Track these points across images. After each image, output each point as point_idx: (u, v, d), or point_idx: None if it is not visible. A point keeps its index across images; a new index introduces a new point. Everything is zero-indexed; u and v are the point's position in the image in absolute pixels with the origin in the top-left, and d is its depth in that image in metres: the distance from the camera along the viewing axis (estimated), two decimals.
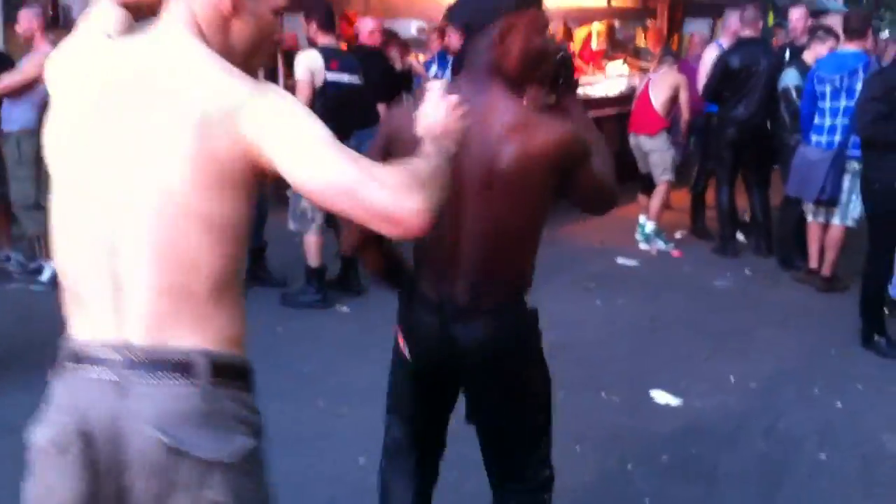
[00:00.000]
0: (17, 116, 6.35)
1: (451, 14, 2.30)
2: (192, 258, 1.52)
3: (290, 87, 6.11)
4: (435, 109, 1.83)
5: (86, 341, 1.58)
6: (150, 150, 1.51)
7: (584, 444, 4.04)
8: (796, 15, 7.62)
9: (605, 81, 11.07)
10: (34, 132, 6.33)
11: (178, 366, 1.52)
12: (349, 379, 4.69)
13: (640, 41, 12.98)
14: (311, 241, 6.03)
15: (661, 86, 7.76)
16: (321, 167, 1.50)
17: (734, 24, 7.98)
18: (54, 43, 5.89)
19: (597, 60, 11.90)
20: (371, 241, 2.36)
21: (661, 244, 7.77)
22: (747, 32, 7.46)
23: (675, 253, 7.71)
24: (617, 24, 13.13)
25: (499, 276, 2.27)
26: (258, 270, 6.39)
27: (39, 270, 6.41)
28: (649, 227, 7.81)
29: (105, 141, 1.55)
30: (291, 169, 1.51)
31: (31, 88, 6.25)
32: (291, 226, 6.06)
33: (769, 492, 3.69)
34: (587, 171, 2.23)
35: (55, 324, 4.61)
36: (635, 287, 6.70)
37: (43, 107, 6.48)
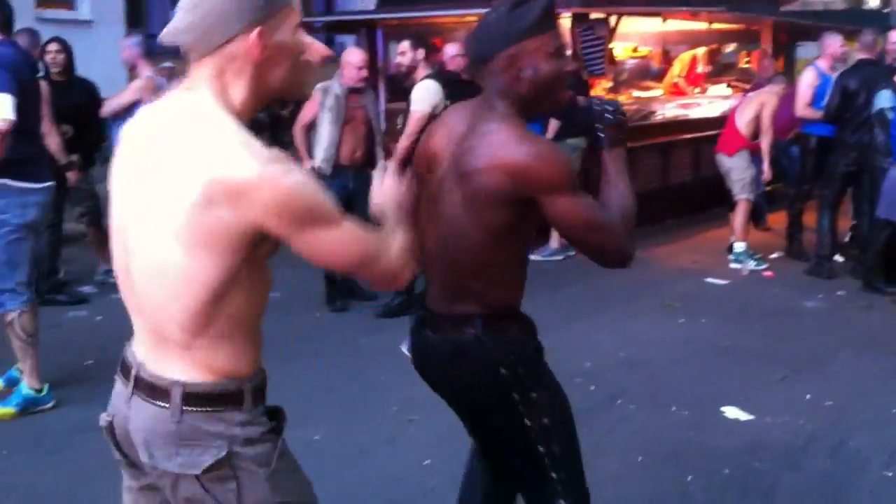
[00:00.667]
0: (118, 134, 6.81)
1: (466, 43, 2.39)
2: (167, 311, 1.72)
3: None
4: (387, 187, 2.04)
5: (127, 355, 1.87)
6: (148, 213, 1.70)
7: (647, 456, 4.13)
8: (894, 37, 7.52)
9: (706, 104, 11.06)
10: None
11: (158, 391, 1.76)
12: (423, 388, 4.88)
13: (746, 63, 12.90)
14: None
15: (749, 105, 7.78)
16: (332, 257, 1.76)
17: (831, 47, 7.94)
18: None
19: (700, 83, 11.88)
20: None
21: (752, 264, 7.75)
22: (864, 55, 7.49)
23: (768, 273, 7.67)
24: (727, 47, 13.10)
25: (461, 286, 2.28)
26: (351, 286, 6.70)
27: None
28: (738, 246, 7.79)
29: (126, 193, 1.78)
30: (306, 255, 1.71)
31: (131, 111, 6.70)
32: None
33: None
34: (561, 202, 2.15)
35: None
36: (721, 307, 6.71)
37: None
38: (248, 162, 1.61)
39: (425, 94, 6.08)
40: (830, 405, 4.79)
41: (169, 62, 15.52)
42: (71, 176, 6.62)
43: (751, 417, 4.60)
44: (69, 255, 7.47)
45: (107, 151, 6.90)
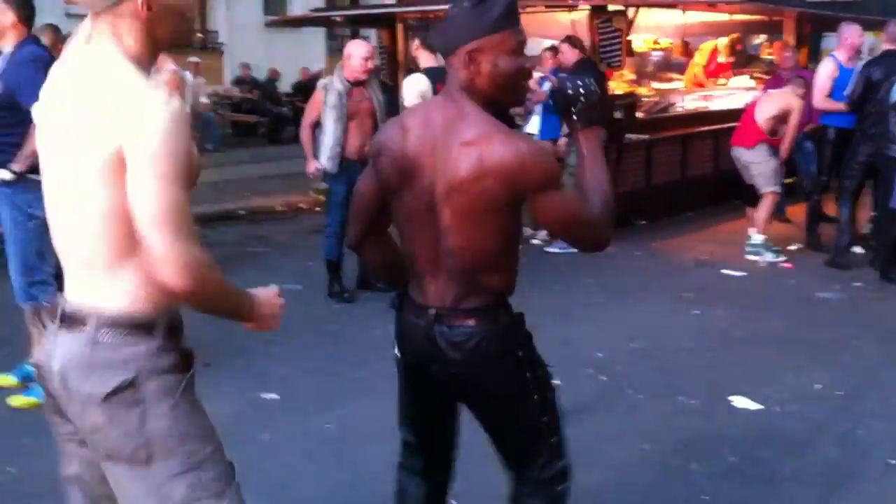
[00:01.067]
0: None
1: (431, 36, 2.44)
2: (88, 239, 1.88)
3: None
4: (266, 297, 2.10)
5: (58, 302, 2.00)
6: (64, 146, 1.88)
7: (654, 444, 4.18)
8: None
9: (727, 95, 11.04)
10: None
11: (78, 320, 1.90)
12: None
13: (768, 54, 12.83)
14: None
15: (772, 103, 7.77)
16: (140, 200, 1.81)
17: (850, 38, 7.91)
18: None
19: (722, 74, 11.85)
20: (371, 237, 2.52)
21: (770, 256, 7.75)
22: (891, 46, 7.48)
23: (786, 265, 7.67)
24: (748, 37, 13.04)
25: (472, 282, 2.33)
26: (368, 279, 6.79)
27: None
28: (756, 238, 7.80)
29: (50, 132, 1.96)
30: (130, 192, 1.82)
31: None
32: None
33: (828, 494, 3.74)
34: (551, 197, 2.22)
35: (224, 326, 5.08)
36: (737, 298, 6.73)
37: None
38: (139, 96, 1.81)
39: (413, 86, 6.22)
40: (840, 395, 4.82)
41: (195, 57, 15.76)
42: None
43: (760, 407, 4.63)
44: None
45: None
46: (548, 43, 10.20)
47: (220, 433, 4.64)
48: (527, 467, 2.57)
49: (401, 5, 10.51)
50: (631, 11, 9.23)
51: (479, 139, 2.21)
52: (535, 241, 8.68)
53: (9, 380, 4.84)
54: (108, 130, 1.80)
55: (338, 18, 10.37)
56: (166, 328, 1.93)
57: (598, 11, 8.99)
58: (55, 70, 2.00)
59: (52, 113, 1.95)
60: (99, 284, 1.90)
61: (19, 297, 4.69)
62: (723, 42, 12.23)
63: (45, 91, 1.99)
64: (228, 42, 18.89)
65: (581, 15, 9.16)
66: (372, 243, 2.54)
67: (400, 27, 10.34)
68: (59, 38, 6.71)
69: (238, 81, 17.90)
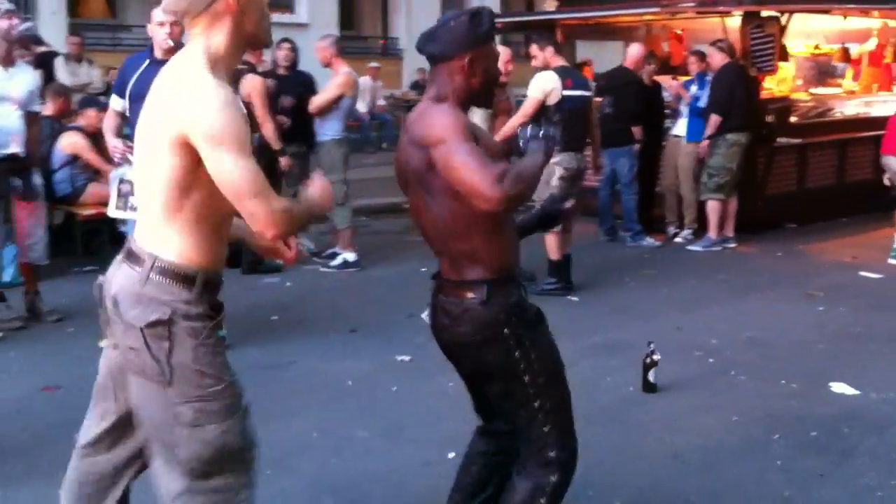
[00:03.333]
0: (327, 129, 7.71)
1: (423, 42, 2.69)
2: (153, 195, 2.30)
3: None
4: (318, 189, 2.53)
5: (129, 240, 2.45)
6: (149, 123, 2.31)
7: (743, 417, 4.52)
8: None
9: (890, 101, 10.88)
10: (341, 140, 7.73)
11: (137, 259, 2.34)
12: None
13: None
14: (552, 238, 6.89)
15: None
16: (226, 181, 2.21)
17: None
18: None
19: (885, 79, 11.62)
20: None
21: None
22: None
23: None
24: None
25: (453, 259, 2.65)
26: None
27: (333, 257, 7.78)
28: None
29: (144, 113, 2.38)
30: (211, 174, 2.22)
31: (336, 105, 7.61)
32: None
33: None
34: (440, 150, 2.48)
35: (338, 297, 5.97)
36: (865, 298, 6.86)
37: (345, 118, 7.87)
38: (202, 88, 2.21)
39: (540, 83, 6.74)
40: None
41: (375, 62, 16.69)
42: (283, 161, 7.53)
43: (856, 392, 4.87)
44: None
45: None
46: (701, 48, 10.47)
47: (358, 385, 5.44)
48: (524, 447, 2.76)
49: (560, 12, 10.97)
50: (784, 17, 9.34)
51: (415, 128, 2.60)
52: (678, 240, 8.98)
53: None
54: (173, 117, 2.21)
55: (498, 25, 10.94)
56: (203, 283, 2.33)
57: (750, 17, 9.17)
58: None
59: (149, 97, 2.37)
60: (158, 235, 2.32)
61: None
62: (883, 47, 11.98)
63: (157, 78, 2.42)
64: (407, 47, 19.82)
65: (733, 20, 9.35)
66: None
67: (559, 33, 10.80)
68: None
69: (414, 85, 18.75)
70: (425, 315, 2.99)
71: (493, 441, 2.94)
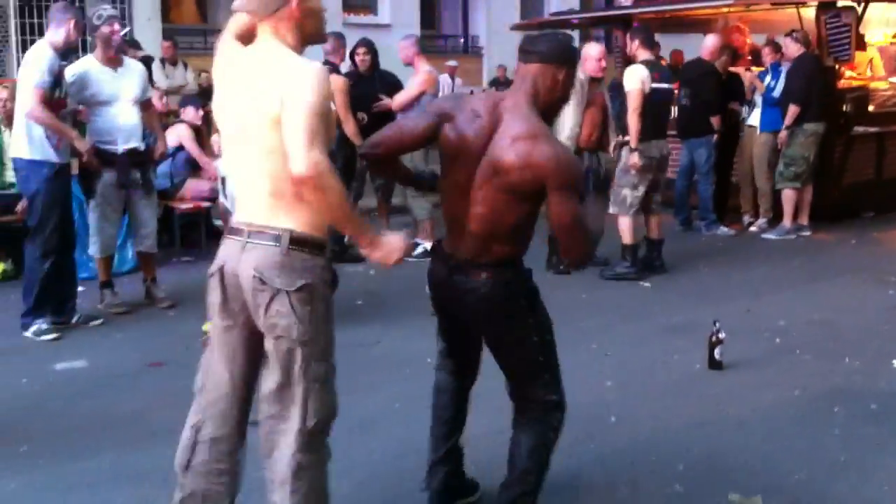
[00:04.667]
0: None
1: (532, 41, 3.01)
2: (275, 176, 2.53)
3: None
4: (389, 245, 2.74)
5: (237, 222, 2.69)
6: (247, 113, 2.55)
7: (805, 391, 4.71)
8: None
9: None
10: None
11: (272, 236, 2.57)
12: (625, 334, 5.74)
13: None
14: (626, 223, 7.13)
15: None
16: (290, 129, 2.47)
17: None
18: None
19: None
20: (390, 159, 3.17)
21: None
22: None
23: None
24: None
25: (492, 244, 2.96)
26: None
27: (415, 247, 8.12)
28: None
29: (233, 103, 2.62)
30: (284, 128, 2.47)
31: (418, 101, 7.96)
32: (611, 209, 7.15)
33: None
34: (563, 198, 2.80)
35: (412, 283, 6.31)
36: None
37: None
38: (297, 65, 2.53)
39: (634, 74, 7.01)
40: None
41: (453, 61, 17.04)
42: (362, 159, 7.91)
43: None
44: None
45: None
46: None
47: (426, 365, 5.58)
48: (525, 395, 3.16)
49: (636, 6, 11.15)
50: (860, 6, 9.37)
51: (529, 136, 2.84)
52: (752, 229, 9.10)
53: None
54: (274, 94, 2.48)
55: (574, 21, 11.18)
56: (330, 251, 2.66)
57: (826, 7, 9.23)
58: (222, 63, 2.67)
59: (230, 96, 2.63)
60: (285, 210, 2.56)
61: None
62: None
63: (219, 73, 2.68)
64: (487, 45, 20.13)
65: (808, 10, 9.42)
66: (389, 162, 3.21)
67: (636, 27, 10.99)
68: (342, 42, 8.03)
69: (494, 82, 19.03)
70: (428, 289, 3.27)
71: (462, 377, 3.41)
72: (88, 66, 6.02)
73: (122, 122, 6.04)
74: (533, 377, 3.14)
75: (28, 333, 5.71)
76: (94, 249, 6.27)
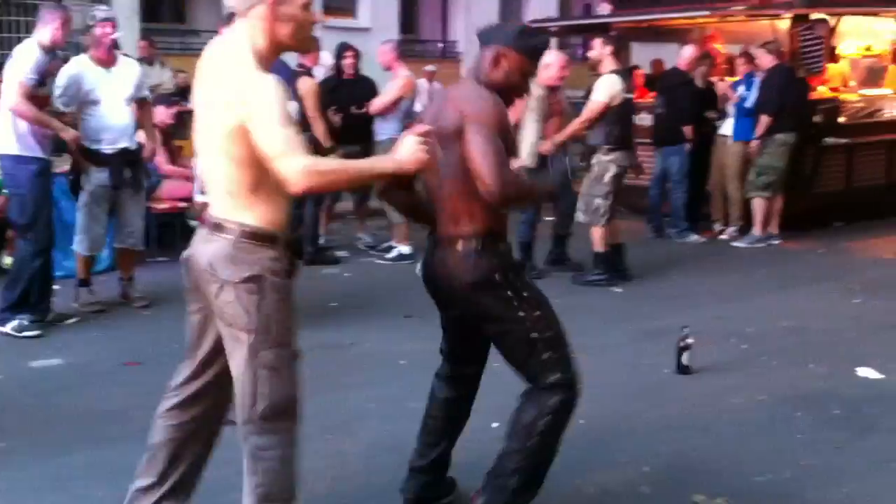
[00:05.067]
0: (386, 129, 8.15)
1: (485, 32, 3.16)
2: (228, 178, 2.65)
3: None
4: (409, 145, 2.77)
5: (207, 214, 2.79)
6: (207, 117, 2.66)
7: (770, 396, 4.81)
8: None
9: None
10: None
11: (225, 229, 2.67)
12: (597, 339, 5.80)
13: None
14: (599, 232, 7.23)
15: None
16: (260, 140, 2.54)
17: None
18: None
19: None
20: (394, 186, 3.21)
21: None
22: None
23: None
24: None
25: (461, 215, 3.02)
26: (561, 256, 7.72)
27: (389, 250, 8.21)
28: None
29: (200, 105, 2.72)
30: (258, 142, 2.54)
31: (397, 105, 8.04)
32: (581, 218, 7.26)
33: None
34: (475, 131, 2.90)
35: (387, 285, 6.38)
36: None
37: (404, 119, 8.27)
38: (250, 81, 2.57)
39: (607, 86, 7.02)
40: None
41: (431, 66, 17.13)
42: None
43: (881, 377, 5.13)
44: (334, 228, 9.07)
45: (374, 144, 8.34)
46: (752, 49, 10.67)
47: (411, 363, 5.85)
48: (528, 378, 3.13)
49: (614, 15, 11.27)
50: (833, 19, 9.55)
51: (456, 93, 3.08)
52: (723, 237, 9.25)
53: None
54: (232, 105, 2.55)
55: (552, 28, 11.28)
56: (284, 244, 2.71)
57: (799, 19, 9.39)
58: (205, 55, 2.76)
59: (201, 88, 2.73)
60: (239, 206, 2.67)
61: None
62: None
63: (198, 70, 2.76)
64: (465, 51, 20.22)
65: (782, 22, 9.58)
66: (394, 189, 3.26)
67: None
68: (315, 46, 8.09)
69: None
70: (418, 270, 3.33)
71: (457, 387, 3.38)
72: (81, 65, 6.08)
73: (113, 122, 6.10)
74: (531, 357, 3.07)
75: (7, 329, 5.72)
76: (82, 247, 6.28)
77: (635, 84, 10.05)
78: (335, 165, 2.78)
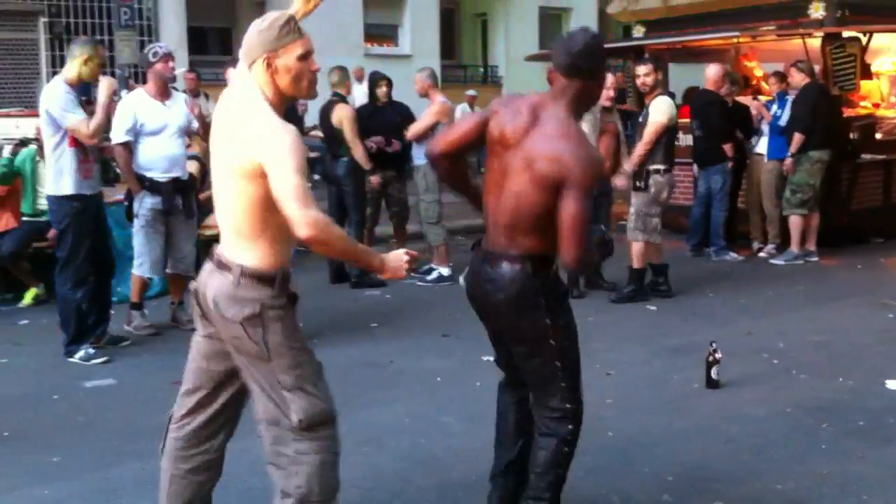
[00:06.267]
0: (422, 154, 8.35)
1: (560, 51, 3.12)
2: (237, 217, 2.83)
3: None
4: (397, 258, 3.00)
5: (215, 247, 2.97)
6: (225, 156, 2.84)
7: (796, 409, 4.91)
8: None
9: None
10: None
11: (227, 268, 2.86)
12: (628, 355, 5.97)
13: None
14: (639, 248, 7.39)
15: None
16: (277, 190, 2.70)
17: None
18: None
19: None
20: (451, 157, 3.33)
21: None
22: None
23: None
24: None
25: (518, 235, 3.08)
26: (594, 277, 7.85)
27: (429, 272, 8.41)
28: None
29: (217, 145, 2.91)
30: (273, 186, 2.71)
31: (432, 131, 8.26)
32: (639, 237, 7.45)
33: None
34: (572, 195, 2.93)
35: (432, 307, 6.57)
36: None
37: None
38: (269, 127, 2.75)
39: (665, 107, 7.21)
40: None
41: (472, 91, 17.37)
42: (373, 180, 8.32)
43: None
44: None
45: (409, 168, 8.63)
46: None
47: (446, 380, 6.04)
48: (541, 403, 3.25)
49: (648, 37, 11.43)
50: (865, 37, 9.60)
51: (563, 135, 3.02)
52: (761, 255, 9.32)
53: None
54: (249, 149, 2.74)
55: None
56: (280, 279, 2.87)
57: (831, 37, 9.47)
58: (223, 100, 2.96)
59: (219, 134, 2.91)
60: (243, 246, 2.86)
61: None
62: None
63: (215, 117, 2.96)
64: (506, 74, 20.47)
65: (814, 40, 9.66)
66: (451, 161, 3.36)
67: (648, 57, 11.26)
68: (346, 75, 8.38)
69: None
70: (461, 280, 3.46)
71: (519, 390, 3.45)
72: (139, 99, 6.39)
73: (167, 153, 6.38)
74: (549, 383, 3.20)
75: (75, 359, 5.96)
76: (143, 270, 6.51)
77: None
78: (339, 232, 2.92)
